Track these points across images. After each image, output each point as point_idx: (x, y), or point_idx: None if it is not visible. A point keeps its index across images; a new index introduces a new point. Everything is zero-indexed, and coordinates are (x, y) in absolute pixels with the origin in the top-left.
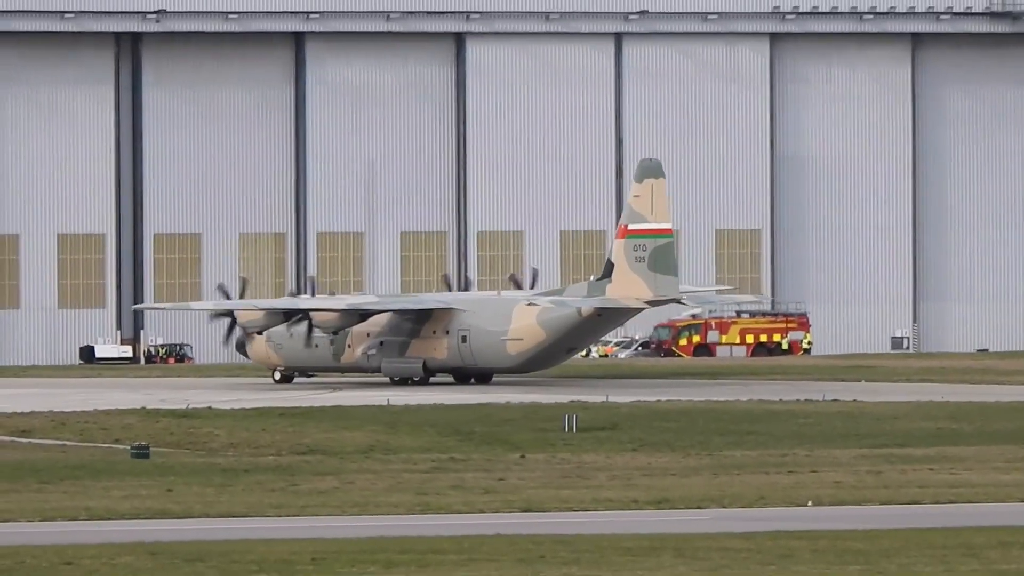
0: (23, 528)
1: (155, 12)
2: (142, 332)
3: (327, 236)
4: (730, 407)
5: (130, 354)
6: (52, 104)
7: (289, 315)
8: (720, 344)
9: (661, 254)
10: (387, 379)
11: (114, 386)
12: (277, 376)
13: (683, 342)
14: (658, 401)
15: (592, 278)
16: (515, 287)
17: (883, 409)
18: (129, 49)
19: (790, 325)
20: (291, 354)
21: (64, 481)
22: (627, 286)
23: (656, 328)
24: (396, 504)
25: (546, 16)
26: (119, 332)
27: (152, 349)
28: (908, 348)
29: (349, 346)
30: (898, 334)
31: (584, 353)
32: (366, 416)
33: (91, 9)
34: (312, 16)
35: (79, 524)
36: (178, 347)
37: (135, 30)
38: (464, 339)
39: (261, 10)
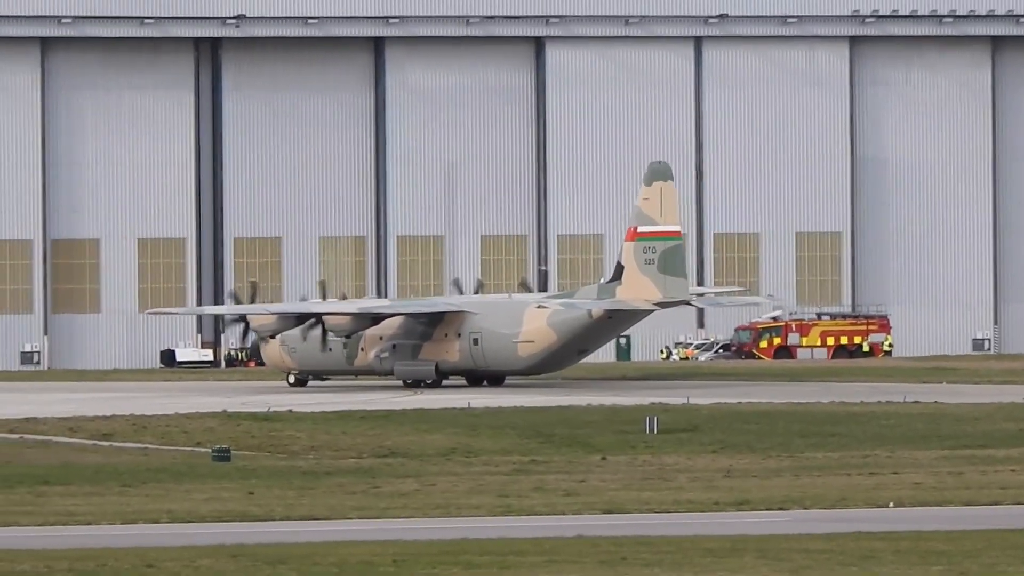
0: (105, 531)
1: (235, 17)
2: (223, 336)
3: (407, 239)
4: (811, 409)
5: (211, 357)
6: (132, 110)
7: (302, 319)
8: (801, 346)
9: (670, 256)
10: (400, 382)
11: (195, 389)
12: (291, 380)
13: (764, 344)
14: (739, 403)
15: (602, 280)
16: (524, 291)
17: (964, 410)
18: (209, 54)
19: (871, 327)
20: (305, 357)
21: (146, 484)
22: (637, 288)
23: (737, 331)
24: (477, 506)
25: (625, 20)
26: (200, 335)
27: (233, 352)
28: (989, 350)
29: (362, 349)
30: (979, 336)
31: (665, 355)
32: (447, 419)
33: (171, 15)
34: (392, 21)
35: (161, 527)
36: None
37: (215, 35)
38: (476, 342)
39: (341, 15)
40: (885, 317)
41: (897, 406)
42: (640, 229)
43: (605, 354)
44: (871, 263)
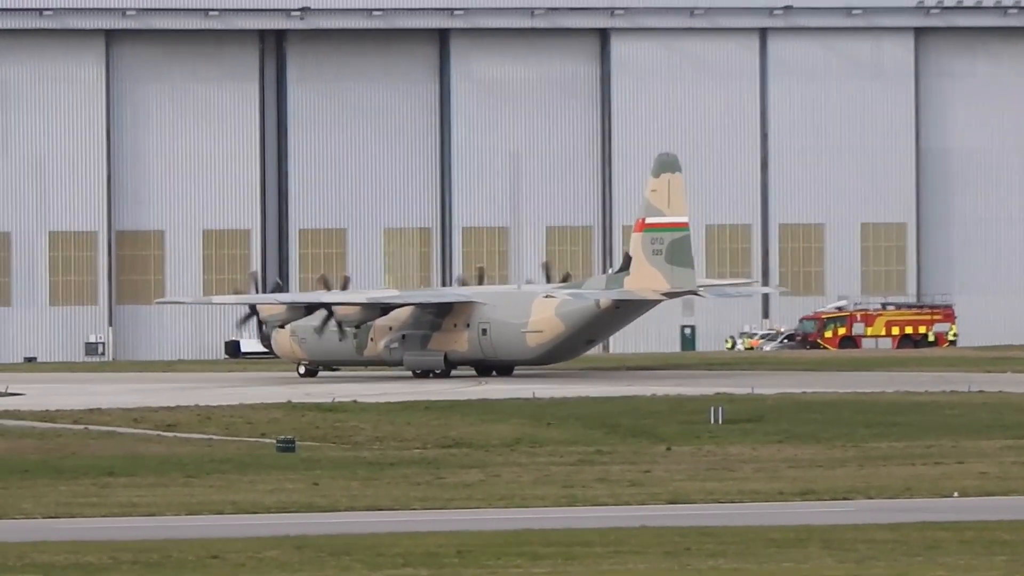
0: (169, 522)
1: (299, 9)
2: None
3: (472, 231)
4: (876, 399)
5: None
6: (197, 102)
7: (311, 309)
8: (866, 336)
9: (678, 247)
10: (409, 372)
11: (260, 380)
12: (302, 370)
13: (829, 334)
14: (803, 393)
15: (610, 271)
16: (545, 274)
17: None
18: (273, 46)
19: (935, 317)
20: (315, 348)
21: (210, 475)
22: (644, 278)
23: (802, 321)
24: (542, 497)
25: (690, 12)
26: None
27: None
28: None
29: (372, 340)
30: None
31: (730, 345)
32: (512, 409)
33: (235, 7)
34: (456, 13)
35: (225, 518)
36: None
37: (279, 27)
38: (484, 332)
39: (405, 7)
40: (950, 307)
41: (962, 396)
42: (648, 220)
43: (670, 344)
44: (936, 253)
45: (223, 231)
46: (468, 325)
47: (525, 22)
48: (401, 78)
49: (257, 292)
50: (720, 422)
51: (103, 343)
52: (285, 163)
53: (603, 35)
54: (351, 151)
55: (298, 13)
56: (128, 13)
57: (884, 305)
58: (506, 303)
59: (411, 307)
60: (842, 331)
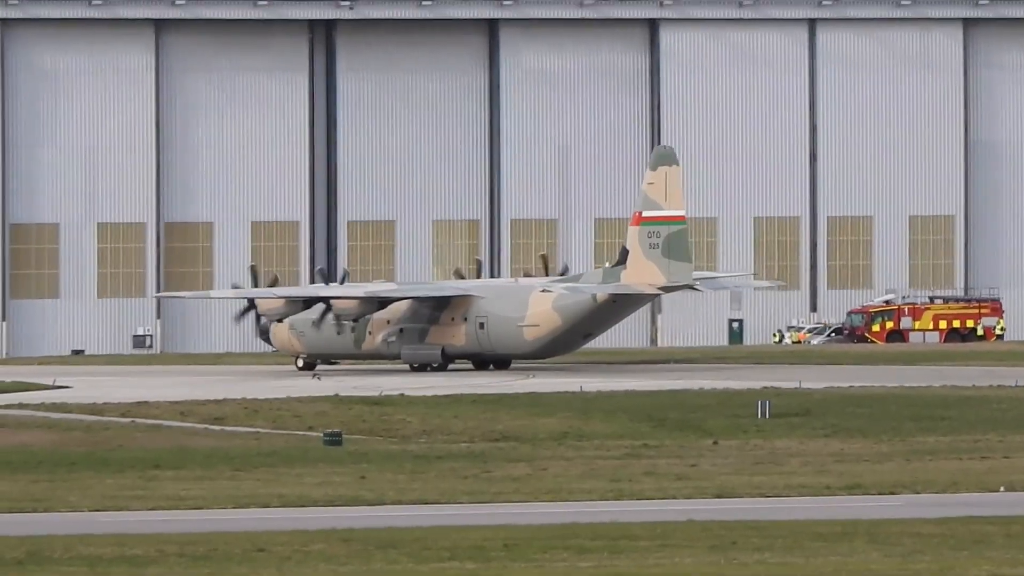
0: (217, 515)
1: None
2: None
3: (520, 223)
4: (923, 393)
5: None
6: (245, 92)
7: (309, 303)
8: (913, 330)
9: (675, 240)
10: (407, 366)
11: (307, 373)
12: (300, 363)
13: (876, 328)
14: (851, 387)
15: (607, 264)
16: (544, 269)
17: None
18: (323, 36)
19: (983, 311)
20: (313, 341)
21: (257, 468)
22: (641, 272)
23: (849, 314)
24: (589, 490)
25: (739, 2)
26: None
27: None
28: None
29: (370, 333)
30: None
31: (777, 339)
32: (559, 403)
33: None
34: (506, 3)
35: (272, 511)
36: None
37: (329, 17)
38: (482, 326)
39: None
40: (998, 300)
41: (1009, 390)
42: (645, 213)
43: (717, 338)
44: (984, 246)
45: (271, 223)
46: (466, 319)
47: (574, 12)
48: (450, 68)
49: (257, 286)
50: (767, 416)
51: (151, 336)
52: (334, 154)
53: (652, 25)
54: (400, 142)
55: (348, 3)
56: (177, 2)
57: (932, 299)
58: (503, 297)
59: (409, 301)
60: (890, 325)
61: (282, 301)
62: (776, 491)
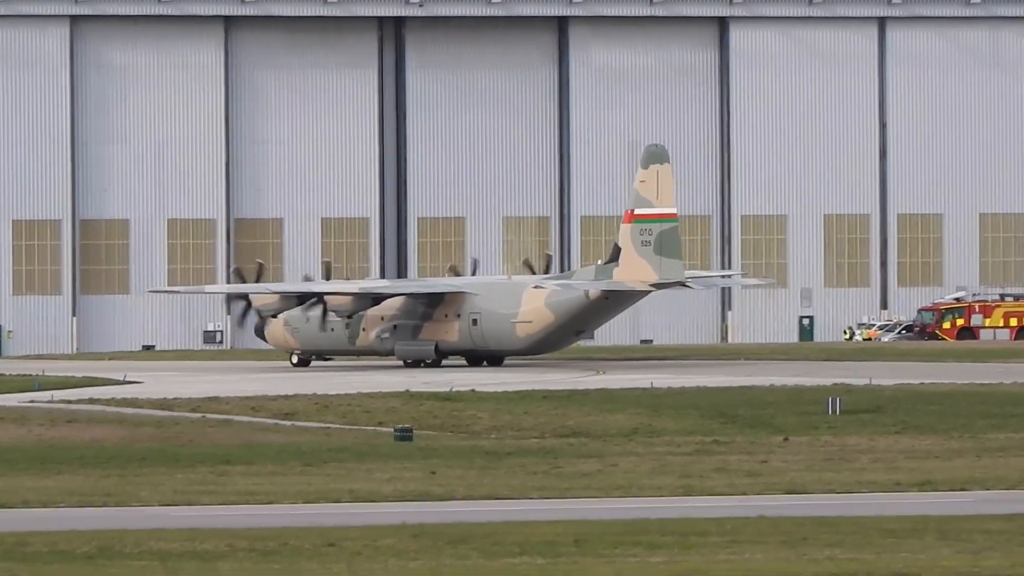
0: (287, 510)
1: None
2: None
3: (591, 220)
4: (994, 390)
5: None
6: (315, 89)
7: (303, 299)
8: (983, 327)
9: (667, 238)
10: (400, 362)
11: (378, 369)
12: (295, 359)
13: (947, 325)
14: (921, 384)
15: (599, 262)
16: (529, 272)
17: None
18: (392, 33)
19: None
20: (307, 337)
21: (327, 464)
22: (633, 269)
23: (920, 312)
24: (659, 487)
25: (809, 0)
26: None
27: None
28: None
29: (364, 329)
30: None
31: (848, 336)
32: (629, 399)
33: None
34: (575, 0)
35: (342, 506)
36: None
37: (398, 14)
38: (475, 322)
39: None
40: None
41: None
42: (637, 211)
43: (788, 335)
44: None
45: (341, 219)
46: (459, 315)
47: (644, 10)
48: (520, 65)
49: (258, 281)
50: (837, 412)
51: (221, 331)
52: (404, 151)
53: (722, 23)
54: (470, 138)
55: (417, 0)
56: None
57: (1002, 296)
58: (496, 293)
59: (402, 297)
60: (960, 322)
61: (276, 297)
62: (847, 487)
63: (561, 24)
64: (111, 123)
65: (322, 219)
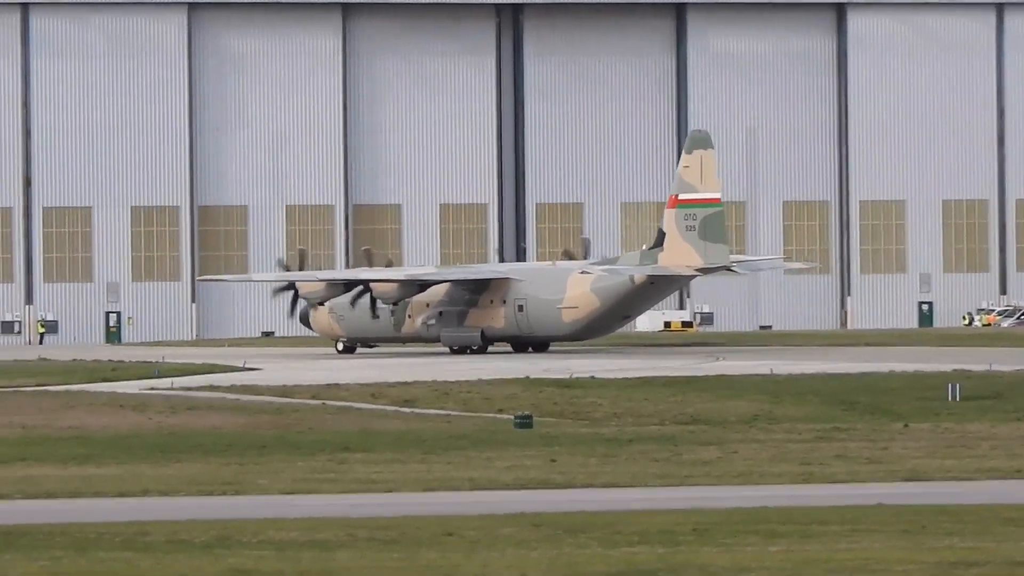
0: (406, 499)
1: None
2: None
3: None
4: None
5: None
6: (433, 75)
7: (349, 287)
8: None
9: (711, 223)
10: (446, 349)
11: (496, 355)
12: (340, 347)
13: None
14: None
15: (644, 247)
16: (568, 259)
17: None
18: (510, 19)
19: None
20: (353, 325)
21: (447, 451)
22: (678, 254)
23: None
24: (779, 474)
25: None
26: None
27: None
28: None
29: (409, 316)
30: None
31: (967, 322)
32: (749, 385)
33: None
34: None
35: (462, 495)
36: None
37: (516, 1)
38: (521, 308)
39: None
40: None
41: None
42: (681, 196)
43: (907, 320)
44: None
45: (459, 205)
46: (504, 301)
47: None
48: (637, 51)
49: (302, 269)
50: (958, 399)
51: None
52: (521, 137)
53: (839, 9)
54: (587, 125)
55: None
56: None
57: None
58: (542, 279)
59: (448, 284)
60: None
61: (322, 285)
62: (967, 475)
63: (679, 11)
64: (229, 110)
65: (440, 205)
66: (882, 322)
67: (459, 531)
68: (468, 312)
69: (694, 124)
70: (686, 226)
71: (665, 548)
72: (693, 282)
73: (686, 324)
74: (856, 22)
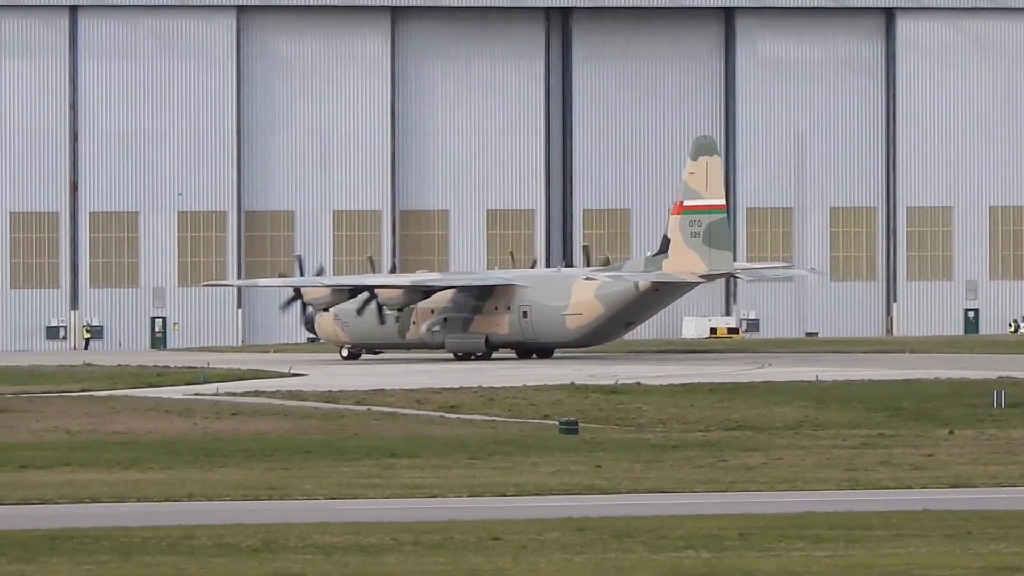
0: (452, 503)
1: None
2: None
3: (756, 211)
4: None
5: None
6: (481, 79)
7: (354, 293)
8: None
9: (716, 229)
10: (451, 355)
11: (542, 362)
12: (345, 353)
13: None
14: None
15: (648, 254)
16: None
17: None
18: (559, 24)
19: None
20: (358, 331)
21: (493, 457)
22: (683, 261)
23: None
24: (824, 480)
25: None
26: None
27: None
28: None
29: (414, 323)
30: None
31: (1013, 329)
32: (795, 391)
33: None
34: None
35: (507, 500)
36: None
37: (565, 5)
38: (525, 314)
39: None
40: None
41: None
42: (686, 203)
43: (953, 327)
44: None
45: (507, 211)
46: (509, 308)
47: (811, 1)
48: (686, 56)
49: (303, 276)
50: (1003, 406)
51: None
52: (569, 142)
53: (889, 14)
54: (636, 130)
55: None
56: None
57: None
58: (546, 286)
59: (453, 290)
60: None
61: (328, 290)
62: (1012, 481)
63: (728, 15)
64: (277, 114)
65: (487, 211)
66: (928, 329)
67: (505, 536)
68: (473, 318)
69: (742, 129)
70: (691, 233)
71: (711, 553)
72: (740, 288)
73: (732, 331)
74: (905, 27)
